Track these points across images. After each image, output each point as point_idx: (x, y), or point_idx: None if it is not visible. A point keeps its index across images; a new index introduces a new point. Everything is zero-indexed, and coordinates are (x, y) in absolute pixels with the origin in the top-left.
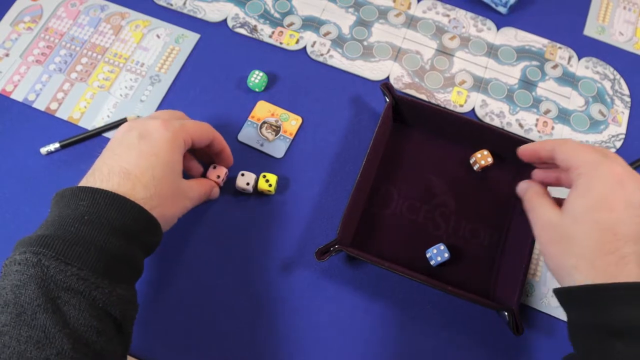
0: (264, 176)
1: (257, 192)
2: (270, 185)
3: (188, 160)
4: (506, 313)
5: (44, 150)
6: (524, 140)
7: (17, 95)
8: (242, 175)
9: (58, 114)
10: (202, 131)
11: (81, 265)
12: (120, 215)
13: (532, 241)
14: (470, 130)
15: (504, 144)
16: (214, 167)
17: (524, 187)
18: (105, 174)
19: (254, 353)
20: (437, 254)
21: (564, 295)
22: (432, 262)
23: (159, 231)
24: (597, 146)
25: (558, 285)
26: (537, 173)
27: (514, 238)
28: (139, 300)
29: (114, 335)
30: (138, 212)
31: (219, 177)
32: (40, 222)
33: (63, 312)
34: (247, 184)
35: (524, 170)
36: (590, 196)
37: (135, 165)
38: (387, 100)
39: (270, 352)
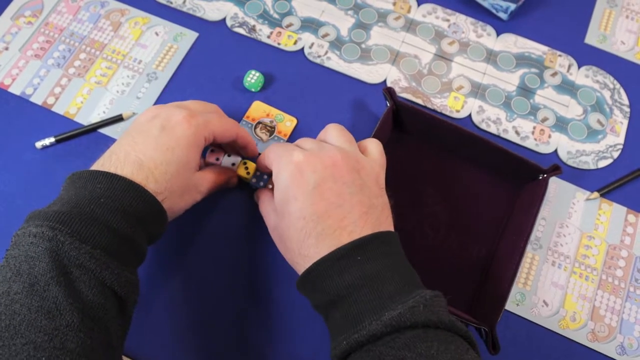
0: (245, 162)
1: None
2: (248, 173)
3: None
4: (484, 330)
5: (39, 144)
6: (523, 160)
7: (15, 89)
8: (229, 155)
9: (54, 109)
10: (225, 129)
11: (94, 244)
12: (134, 202)
13: (519, 261)
14: (470, 144)
15: (503, 160)
16: (212, 151)
17: (257, 195)
18: (122, 159)
19: (239, 351)
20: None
21: (299, 289)
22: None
23: (165, 223)
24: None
25: (548, 295)
26: None
27: (501, 256)
28: None
29: (117, 316)
30: (151, 202)
31: (217, 159)
32: None
33: (74, 287)
34: (233, 164)
35: (522, 186)
36: (279, 190)
37: (150, 158)
38: (388, 104)
39: (256, 350)
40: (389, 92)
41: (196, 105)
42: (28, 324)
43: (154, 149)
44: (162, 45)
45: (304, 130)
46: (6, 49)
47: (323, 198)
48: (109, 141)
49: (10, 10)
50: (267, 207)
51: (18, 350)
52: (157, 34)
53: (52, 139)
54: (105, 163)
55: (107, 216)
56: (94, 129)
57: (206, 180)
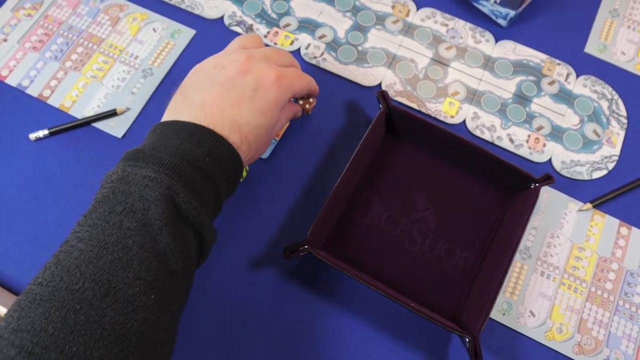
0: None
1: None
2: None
3: None
4: (467, 339)
5: (32, 136)
6: (515, 168)
7: (12, 81)
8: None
9: (50, 101)
10: (304, 88)
11: (201, 201)
12: (231, 166)
13: (506, 270)
14: (462, 150)
15: (495, 167)
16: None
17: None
18: (217, 116)
19: (221, 350)
20: None
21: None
22: None
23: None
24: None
25: (536, 306)
26: None
27: (489, 264)
28: None
29: (196, 268)
30: (240, 166)
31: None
32: (24, 207)
33: (180, 237)
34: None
35: (513, 195)
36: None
37: (246, 122)
38: (381, 108)
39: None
40: (382, 95)
41: (277, 57)
42: (140, 261)
43: (248, 112)
44: (159, 42)
45: (297, 130)
46: (5, 40)
47: None
48: (103, 135)
49: (10, 2)
50: None
51: (130, 283)
52: (154, 30)
53: (46, 131)
54: (200, 115)
55: (212, 176)
56: (87, 122)
57: (279, 126)
